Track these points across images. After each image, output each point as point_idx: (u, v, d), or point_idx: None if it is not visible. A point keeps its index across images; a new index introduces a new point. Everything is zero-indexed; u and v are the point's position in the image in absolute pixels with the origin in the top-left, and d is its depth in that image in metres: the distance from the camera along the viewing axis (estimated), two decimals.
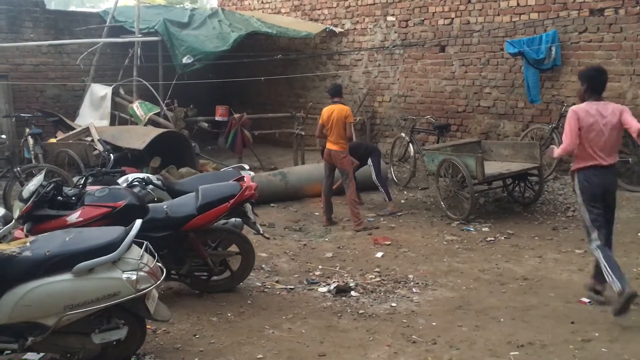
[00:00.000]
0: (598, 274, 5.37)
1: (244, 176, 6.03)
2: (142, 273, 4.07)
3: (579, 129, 5.16)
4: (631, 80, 8.95)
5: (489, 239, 7.67)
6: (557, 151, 5.50)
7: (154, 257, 4.31)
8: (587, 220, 5.31)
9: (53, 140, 10.43)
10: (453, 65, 11.02)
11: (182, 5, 23.81)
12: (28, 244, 4.12)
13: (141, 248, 4.21)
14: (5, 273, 3.88)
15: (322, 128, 8.52)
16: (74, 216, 5.11)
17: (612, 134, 5.21)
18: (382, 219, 8.78)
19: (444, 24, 11.07)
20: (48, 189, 5.15)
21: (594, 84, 5.30)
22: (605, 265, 5.13)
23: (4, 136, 9.68)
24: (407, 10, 11.59)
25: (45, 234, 4.46)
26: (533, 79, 9.73)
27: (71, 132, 10.63)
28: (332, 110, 8.42)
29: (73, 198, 5.38)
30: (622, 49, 8.99)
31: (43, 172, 5.52)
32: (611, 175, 5.34)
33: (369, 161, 9.25)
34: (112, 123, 11.74)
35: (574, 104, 9.28)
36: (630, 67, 8.95)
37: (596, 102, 5.24)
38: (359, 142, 10.21)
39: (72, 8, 39.17)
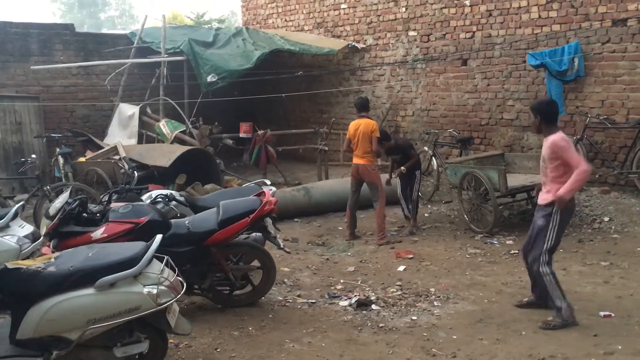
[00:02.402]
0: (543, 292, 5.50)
1: (264, 191, 6.10)
2: (162, 287, 4.15)
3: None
4: None
5: (512, 251, 7.61)
6: (573, 185, 5.21)
7: (175, 272, 4.40)
8: (554, 242, 5.38)
9: (82, 159, 10.67)
10: (475, 78, 11.01)
11: (209, 26, 24.24)
12: (53, 259, 4.23)
13: (162, 262, 4.30)
14: (31, 288, 4.00)
15: (350, 143, 8.56)
16: (99, 232, 5.23)
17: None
18: (404, 235, 8.74)
19: (465, 38, 11.08)
20: (73, 206, 5.28)
21: (548, 115, 5.37)
22: (553, 287, 5.36)
23: (34, 155, 9.93)
24: (429, 24, 11.64)
25: (70, 249, 4.58)
26: (556, 91, 9.67)
27: (99, 151, 10.87)
28: (358, 125, 8.46)
29: (98, 215, 5.51)
30: None
31: (69, 190, 5.67)
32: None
33: (417, 174, 8.94)
34: (139, 141, 11.98)
35: (598, 115, 9.27)
36: None
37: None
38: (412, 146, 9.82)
39: (105, 30, 40.13)
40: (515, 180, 8.56)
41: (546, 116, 5.38)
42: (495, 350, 4.90)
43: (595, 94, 9.50)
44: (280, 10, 14.94)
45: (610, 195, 9.10)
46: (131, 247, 4.36)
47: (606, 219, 8.48)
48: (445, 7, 11.34)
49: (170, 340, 4.82)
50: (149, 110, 12.43)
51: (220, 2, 66.21)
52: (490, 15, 10.66)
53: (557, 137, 5.25)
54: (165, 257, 4.34)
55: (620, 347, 4.80)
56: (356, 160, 8.51)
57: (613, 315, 5.44)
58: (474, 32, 10.95)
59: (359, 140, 8.39)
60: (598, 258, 7.16)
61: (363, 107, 8.63)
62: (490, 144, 10.91)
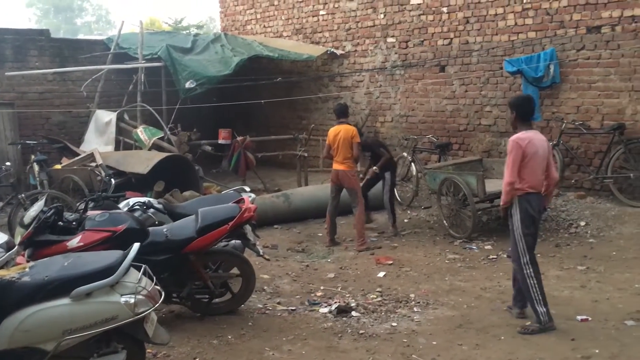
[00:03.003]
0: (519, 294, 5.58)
1: (243, 198, 6.07)
2: (140, 296, 4.09)
3: (523, 158, 5.27)
4: (630, 97, 8.98)
5: (491, 257, 7.67)
6: (502, 196, 5.54)
7: (153, 280, 4.35)
8: (524, 242, 5.42)
9: (58, 166, 10.52)
10: (453, 84, 11.10)
11: (187, 31, 24.12)
12: (27, 269, 4.16)
13: (140, 271, 4.25)
14: (5, 299, 3.92)
15: (329, 149, 8.56)
16: (75, 241, 5.16)
17: (544, 163, 5.39)
18: (385, 239, 8.79)
19: (443, 44, 11.17)
20: (49, 214, 5.20)
21: (522, 112, 5.43)
22: (536, 290, 5.37)
23: (8, 163, 9.77)
24: (407, 31, 11.71)
25: (45, 259, 4.50)
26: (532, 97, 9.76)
27: (76, 158, 10.73)
28: (338, 131, 8.48)
29: (74, 223, 5.44)
30: (620, 66, 9.04)
31: (44, 198, 5.59)
32: (542, 201, 5.52)
33: (387, 175, 9.14)
34: (116, 148, 11.85)
35: (574, 120, 9.39)
36: (628, 84, 8.98)
37: (532, 131, 5.40)
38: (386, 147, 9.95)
39: (81, 36, 39.78)
40: (493, 185, 8.61)
41: (521, 112, 5.42)
42: (474, 355, 4.92)
43: (570, 100, 9.62)
44: (259, 16, 14.93)
45: (586, 200, 9.22)
46: (108, 256, 4.30)
47: (582, 223, 8.59)
48: (423, 14, 11.42)
49: (148, 350, 4.76)
50: (126, 116, 12.31)
51: (199, 7, 66.03)
52: (468, 22, 10.76)
53: (512, 137, 5.36)
54: (143, 265, 4.29)
55: (597, 350, 4.85)
56: (336, 166, 8.52)
57: (590, 319, 5.50)
58: (451, 39, 11.03)
59: (339, 146, 8.40)
60: (575, 262, 7.24)
61: (342, 113, 8.66)
62: (468, 150, 10.99)
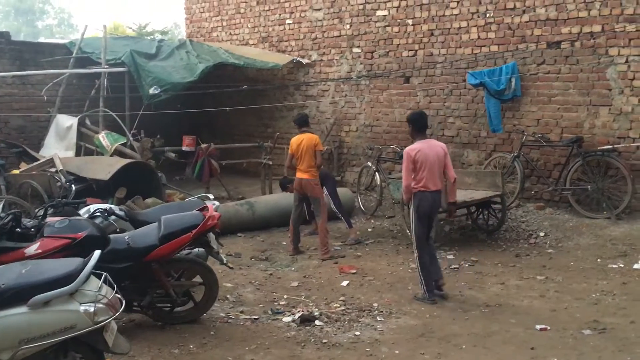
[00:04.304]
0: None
1: (207, 206, 6.02)
2: (100, 305, 4.02)
3: (414, 164, 6.38)
4: (588, 111, 9.23)
5: (453, 266, 7.75)
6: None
7: (113, 289, 4.27)
8: (416, 230, 6.53)
9: (16, 171, 10.28)
10: (417, 95, 11.23)
11: (151, 37, 23.87)
12: None
13: (100, 279, 4.17)
14: None
15: (292, 158, 8.56)
16: (33, 248, 5.03)
17: (439, 165, 6.46)
18: (348, 248, 8.82)
19: (408, 56, 11.30)
20: (6, 220, 5.07)
21: (416, 125, 6.59)
22: (420, 272, 6.49)
23: None
24: (372, 42, 11.82)
25: (1, 266, 4.38)
26: (494, 109, 9.96)
27: (35, 163, 10.50)
28: (301, 140, 8.50)
29: (32, 230, 5.30)
30: (579, 80, 9.28)
31: (1, 204, 5.45)
32: (438, 197, 6.58)
33: (324, 190, 9.19)
34: (77, 154, 11.63)
35: (534, 133, 9.60)
36: (586, 98, 9.22)
37: (424, 140, 6.51)
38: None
39: (42, 39, 38.98)
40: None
41: (416, 126, 6.59)
42: None
43: (531, 113, 9.83)
44: (224, 23, 14.87)
45: (545, 211, 9.40)
46: (67, 264, 4.22)
47: (542, 234, 8.76)
48: (388, 26, 11.54)
49: None
50: (88, 122, 12.11)
51: (163, 13, 65.50)
52: (432, 34, 10.91)
53: (407, 149, 6.53)
54: (104, 273, 4.21)
55: (556, 359, 4.94)
56: (300, 175, 8.53)
57: (549, 328, 5.61)
58: (416, 51, 11.17)
59: (303, 154, 8.43)
60: (534, 272, 7.37)
61: (304, 123, 8.85)
62: None
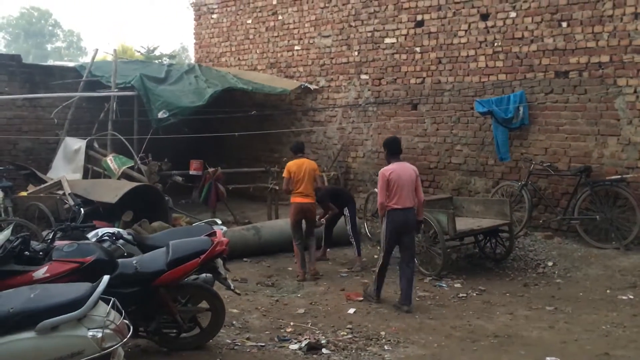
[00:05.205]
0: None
1: (215, 231, 6.00)
2: (108, 331, 4.00)
3: (388, 184, 7.02)
4: (596, 140, 9.23)
5: (460, 295, 7.69)
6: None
7: (121, 314, 4.24)
8: (384, 245, 7.22)
9: (23, 193, 10.30)
10: (425, 122, 11.26)
11: (160, 61, 24.12)
12: None
13: (108, 304, 4.14)
14: None
15: (289, 182, 8.58)
16: (41, 272, 5.00)
17: (411, 185, 7.08)
18: (355, 275, 8.76)
19: (415, 83, 11.36)
20: (15, 243, 5.06)
21: (389, 149, 7.30)
22: (377, 277, 7.32)
23: None
24: (380, 69, 11.89)
25: (9, 290, 4.37)
26: (502, 138, 9.98)
27: (42, 185, 10.52)
28: (302, 164, 8.57)
29: (40, 253, 5.28)
30: (587, 110, 9.30)
31: (11, 227, 5.44)
32: (411, 215, 7.13)
33: (345, 211, 9.27)
34: (85, 176, 11.65)
35: (542, 162, 9.60)
36: (595, 127, 9.24)
37: (398, 163, 7.18)
38: (340, 188, 10.43)
39: (51, 61, 39.41)
40: (463, 223, 8.70)
41: (389, 149, 7.30)
42: None
43: (539, 141, 9.84)
44: (233, 49, 15.01)
45: (553, 241, 9.35)
46: (76, 288, 4.20)
47: (550, 263, 8.70)
48: (396, 53, 11.62)
49: None
50: (96, 145, 12.16)
51: (171, 37, 66.20)
52: (440, 62, 10.98)
53: (382, 170, 7.20)
54: (112, 299, 4.19)
55: None
56: (303, 199, 8.53)
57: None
58: (424, 78, 11.23)
59: (305, 178, 8.51)
60: (543, 302, 7.30)
61: (300, 150, 9.01)
62: (439, 187, 11.11)
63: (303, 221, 8.68)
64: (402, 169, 7.13)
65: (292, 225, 8.73)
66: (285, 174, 8.72)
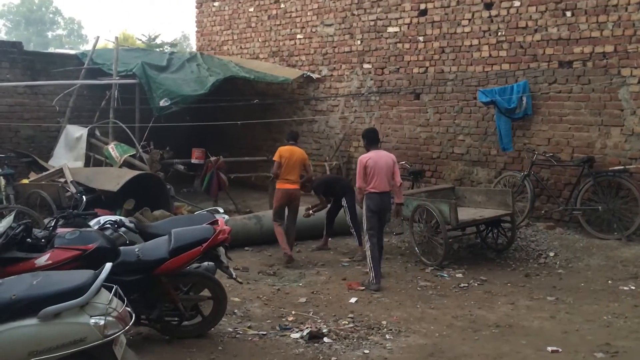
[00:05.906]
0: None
1: (217, 219, 5.99)
2: (110, 318, 3.99)
3: (366, 169, 7.62)
4: (599, 131, 9.19)
5: (462, 285, 7.69)
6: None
7: (124, 302, 4.24)
8: (367, 225, 7.74)
9: (25, 181, 10.30)
10: (427, 112, 11.22)
11: (161, 49, 24.03)
12: None
13: (110, 292, 4.14)
14: None
15: (279, 166, 8.68)
16: (43, 259, 5.01)
17: (387, 171, 7.68)
18: (356, 264, 8.76)
19: (418, 72, 11.31)
20: (17, 230, 5.05)
21: (367, 138, 7.91)
22: (370, 260, 7.62)
23: None
24: (383, 58, 11.84)
25: (12, 277, 4.36)
26: (505, 128, 9.94)
27: (44, 173, 10.52)
28: (293, 151, 8.85)
29: (43, 240, 5.28)
30: (591, 100, 9.26)
31: (13, 214, 5.44)
32: (386, 198, 7.76)
33: (344, 202, 9.25)
34: (86, 164, 11.65)
35: (545, 152, 9.56)
36: (598, 118, 9.20)
37: (375, 151, 7.79)
38: (337, 177, 10.42)
39: (52, 49, 39.30)
40: (465, 213, 8.69)
41: (368, 139, 7.90)
42: None
43: (542, 132, 9.80)
44: (235, 37, 14.95)
45: (555, 231, 9.34)
46: (78, 276, 4.19)
47: (551, 254, 8.69)
48: (399, 42, 11.56)
49: None
50: (97, 132, 12.15)
51: (172, 25, 66.01)
52: (443, 52, 10.92)
53: (360, 157, 7.83)
54: (114, 286, 4.18)
55: None
56: (290, 185, 8.77)
57: (560, 350, 5.53)
58: (427, 68, 11.18)
59: (296, 165, 8.76)
60: (544, 293, 7.30)
61: (294, 138, 9.23)
62: (441, 177, 11.09)
63: (286, 208, 8.86)
64: (379, 157, 7.73)
65: (275, 208, 8.92)
66: (276, 157, 8.86)
